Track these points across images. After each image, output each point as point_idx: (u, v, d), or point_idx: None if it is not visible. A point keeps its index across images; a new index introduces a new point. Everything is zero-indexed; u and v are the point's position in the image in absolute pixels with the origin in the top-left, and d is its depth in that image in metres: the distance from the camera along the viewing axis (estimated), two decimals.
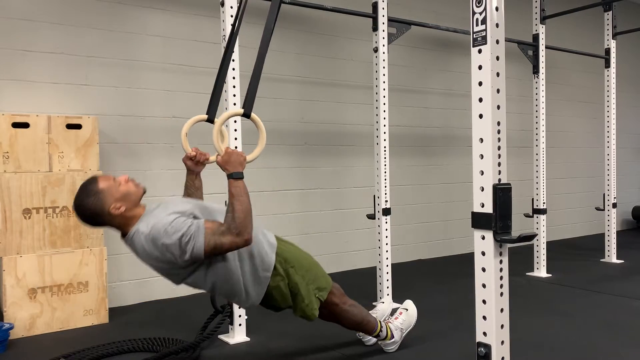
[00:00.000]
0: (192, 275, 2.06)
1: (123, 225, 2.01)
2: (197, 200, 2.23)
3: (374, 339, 2.67)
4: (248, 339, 2.89)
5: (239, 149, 2.97)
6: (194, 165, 2.30)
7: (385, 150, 3.50)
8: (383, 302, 2.94)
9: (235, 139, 2.90)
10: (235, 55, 2.92)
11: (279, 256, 2.23)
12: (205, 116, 2.35)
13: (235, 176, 2.00)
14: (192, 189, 2.33)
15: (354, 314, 2.45)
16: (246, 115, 2.15)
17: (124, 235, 2.04)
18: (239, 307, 2.86)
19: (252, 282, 2.17)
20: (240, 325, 2.89)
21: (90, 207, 1.96)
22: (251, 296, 2.20)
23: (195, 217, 1.99)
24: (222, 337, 2.92)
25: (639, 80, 7.37)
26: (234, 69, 2.91)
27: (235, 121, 2.90)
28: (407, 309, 2.71)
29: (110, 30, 3.62)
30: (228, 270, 2.09)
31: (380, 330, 2.56)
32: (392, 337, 2.60)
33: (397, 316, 2.69)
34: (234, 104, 2.89)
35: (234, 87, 2.88)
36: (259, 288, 2.20)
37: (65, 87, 3.47)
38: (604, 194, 4.95)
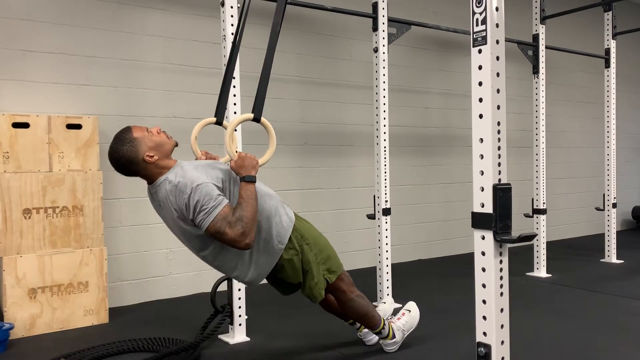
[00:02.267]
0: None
1: (154, 174, 2.07)
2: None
3: (375, 339, 2.68)
4: (248, 339, 2.89)
5: (240, 150, 2.97)
6: None
7: (385, 150, 3.50)
8: (384, 302, 2.94)
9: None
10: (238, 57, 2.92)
11: (296, 231, 2.26)
12: (214, 119, 2.41)
13: (248, 179, 2.04)
14: None
15: (360, 304, 2.46)
16: (256, 119, 2.18)
17: (150, 182, 2.10)
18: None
19: (263, 250, 2.18)
20: (240, 325, 2.90)
21: (125, 155, 2.02)
22: (259, 265, 2.20)
23: (223, 191, 2.04)
24: (222, 337, 2.92)
25: (639, 80, 7.36)
26: (235, 68, 2.91)
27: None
28: (409, 311, 2.71)
29: (110, 30, 3.62)
30: None
31: (383, 328, 2.56)
32: (394, 337, 2.60)
33: (399, 317, 2.69)
34: (234, 104, 2.89)
35: (234, 87, 2.88)
36: (270, 258, 2.21)
37: (65, 87, 3.47)
38: (604, 194, 4.95)
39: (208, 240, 2.08)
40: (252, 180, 2.04)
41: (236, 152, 2.12)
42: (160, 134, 2.10)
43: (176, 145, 2.14)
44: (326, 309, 2.61)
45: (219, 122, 2.43)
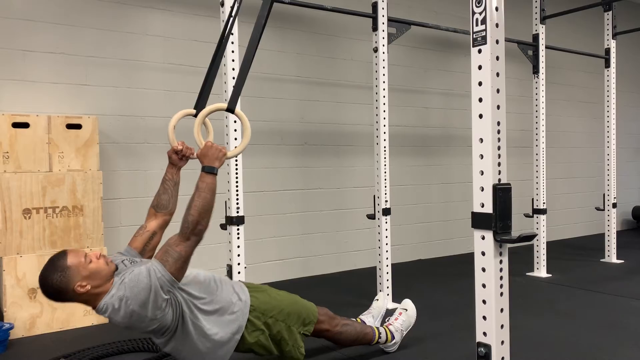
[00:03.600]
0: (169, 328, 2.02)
1: (89, 301, 1.94)
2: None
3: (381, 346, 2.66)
4: None
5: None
6: (178, 159, 2.25)
7: (385, 150, 3.50)
8: (377, 300, 2.91)
9: (236, 139, 2.91)
10: (235, 55, 2.93)
11: (254, 311, 2.20)
12: (193, 111, 2.31)
13: (207, 170, 1.98)
14: (170, 183, 2.27)
15: (348, 333, 2.44)
16: (230, 109, 2.14)
17: (94, 308, 1.96)
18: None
19: (219, 345, 2.12)
20: None
21: (55, 284, 1.88)
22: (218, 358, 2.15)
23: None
24: None
25: (639, 80, 7.36)
26: (233, 69, 2.92)
27: (235, 121, 2.90)
28: (406, 309, 2.70)
29: (110, 30, 3.62)
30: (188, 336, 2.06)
31: (379, 337, 2.55)
32: (393, 338, 2.59)
33: (397, 317, 2.68)
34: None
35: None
36: (228, 347, 2.15)
37: (65, 87, 3.47)
38: (604, 194, 4.95)
39: (160, 332, 2.03)
40: (211, 171, 1.98)
41: (207, 141, 2.07)
42: (100, 259, 1.95)
43: (116, 269, 1.98)
44: (317, 337, 2.57)
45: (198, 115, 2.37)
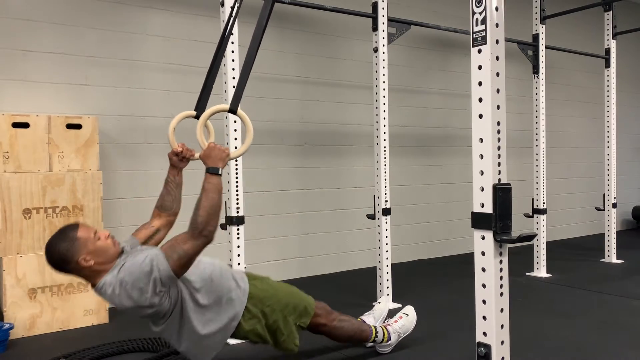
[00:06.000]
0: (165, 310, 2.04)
1: (89, 277, 1.97)
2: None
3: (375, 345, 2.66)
4: None
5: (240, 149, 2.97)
6: (179, 161, 2.26)
7: (385, 150, 3.50)
8: (380, 302, 2.93)
9: (236, 139, 2.91)
10: (235, 55, 2.93)
11: (252, 299, 2.22)
12: (194, 112, 2.32)
13: (211, 171, 2.00)
14: (173, 184, 2.29)
15: (345, 329, 2.45)
16: (232, 111, 2.15)
17: (93, 285, 2.00)
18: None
19: (216, 332, 2.15)
20: None
21: (61, 251, 1.91)
22: (213, 345, 2.17)
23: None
24: None
25: (639, 80, 7.36)
26: (233, 69, 2.92)
27: (235, 121, 2.90)
28: (407, 314, 2.70)
29: (110, 30, 3.62)
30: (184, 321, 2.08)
31: (376, 336, 2.55)
32: (389, 339, 2.60)
33: (396, 319, 2.68)
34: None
35: (233, 87, 2.88)
36: (224, 334, 2.18)
37: (65, 87, 3.47)
38: (604, 194, 4.95)
39: (159, 317, 2.05)
40: (215, 172, 1.99)
41: (209, 142, 2.08)
42: (108, 239, 1.99)
43: (122, 252, 2.03)
44: (315, 333, 2.57)
45: (199, 117, 2.33)
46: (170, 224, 2.31)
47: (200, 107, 2.35)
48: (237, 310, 2.18)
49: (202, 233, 1.92)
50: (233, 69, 2.91)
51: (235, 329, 2.20)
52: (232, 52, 2.92)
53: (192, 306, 2.08)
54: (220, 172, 2.01)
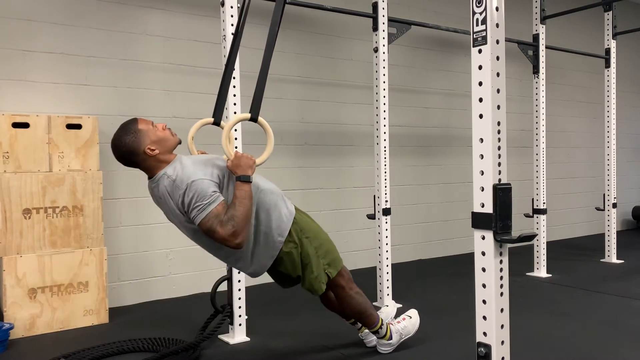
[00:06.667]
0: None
1: (153, 167, 2.10)
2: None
3: (376, 341, 2.67)
4: (248, 339, 2.89)
5: (240, 150, 2.97)
6: None
7: (385, 150, 3.50)
8: (387, 306, 2.95)
9: (236, 138, 2.90)
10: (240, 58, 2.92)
11: (296, 224, 2.28)
12: (212, 119, 2.41)
13: (243, 179, 2.06)
14: None
15: (359, 301, 2.47)
16: (253, 119, 2.19)
17: (150, 177, 2.13)
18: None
19: (263, 243, 2.21)
20: (240, 325, 2.89)
21: (128, 144, 2.05)
22: (260, 258, 2.23)
23: (220, 188, 2.06)
24: (222, 337, 2.92)
25: (639, 80, 7.36)
26: (234, 69, 2.91)
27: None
28: (410, 317, 2.71)
29: (110, 30, 3.62)
30: None
31: (380, 327, 2.56)
32: (391, 338, 2.60)
33: (399, 320, 2.69)
34: (234, 104, 2.89)
35: (234, 87, 2.88)
36: (270, 251, 2.23)
37: (65, 87, 3.47)
38: (604, 194, 4.95)
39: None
40: (247, 180, 2.06)
41: (235, 151, 2.14)
42: (166, 130, 2.13)
43: (179, 142, 2.17)
44: (327, 305, 2.62)
45: (217, 123, 2.42)
46: None
47: (218, 113, 2.43)
48: (283, 225, 2.23)
49: (235, 236, 1.98)
50: (234, 69, 2.89)
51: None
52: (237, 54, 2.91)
53: (260, 203, 2.18)
54: (250, 180, 2.08)
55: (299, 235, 2.28)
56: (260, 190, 2.20)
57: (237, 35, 2.44)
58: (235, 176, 2.08)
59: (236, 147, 2.85)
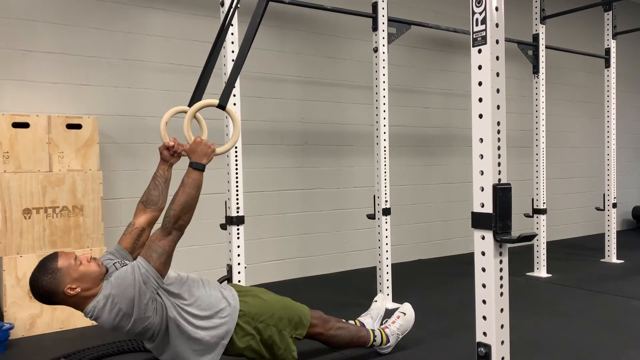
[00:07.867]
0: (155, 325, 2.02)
1: (78, 304, 1.95)
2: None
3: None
4: None
5: (239, 150, 2.97)
6: (170, 155, 2.24)
7: (385, 150, 3.50)
8: (376, 301, 2.90)
9: None
10: (235, 55, 2.92)
11: (244, 316, 2.18)
12: (187, 107, 2.29)
13: (194, 166, 1.99)
14: (161, 179, 2.26)
15: (342, 336, 2.43)
16: (221, 106, 2.15)
17: (82, 311, 1.98)
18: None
19: (206, 351, 2.12)
20: None
21: (45, 286, 1.88)
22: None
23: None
24: None
25: (639, 80, 7.36)
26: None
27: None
28: (404, 313, 2.67)
29: (110, 30, 3.62)
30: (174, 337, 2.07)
31: (374, 340, 2.54)
32: (388, 341, 2.58)
33: (394, 320, 2.65)
34: (234, 104, 2.89)
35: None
36: (216, 355, 2.15)
37: (65, 87, 3.47)
38: (604, 194, 4.95)
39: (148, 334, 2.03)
40: (199, 167, 1.99)
41: (196, 137, 2.06)
42: (90, 262, 1.95)
43: (107, 271, 1.99)
44: (311, 339, 2.57)
45: None
46: (154, 219, 2.25)
47: (194, 103, 2.32)
48: (228, 328, 2.14)
49: (174, 227, 1.93)
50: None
51: (229, 346, 2.16)
52: (232, 52, 2.92)
53: (181, 323, 2.04)
54: (203, 168, 2.00)
55: (254, 325, 2.19)
56: (199, 296, 2.12)
57: (224, 26, 2.44)
58: (189, 162, 2.00)
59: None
